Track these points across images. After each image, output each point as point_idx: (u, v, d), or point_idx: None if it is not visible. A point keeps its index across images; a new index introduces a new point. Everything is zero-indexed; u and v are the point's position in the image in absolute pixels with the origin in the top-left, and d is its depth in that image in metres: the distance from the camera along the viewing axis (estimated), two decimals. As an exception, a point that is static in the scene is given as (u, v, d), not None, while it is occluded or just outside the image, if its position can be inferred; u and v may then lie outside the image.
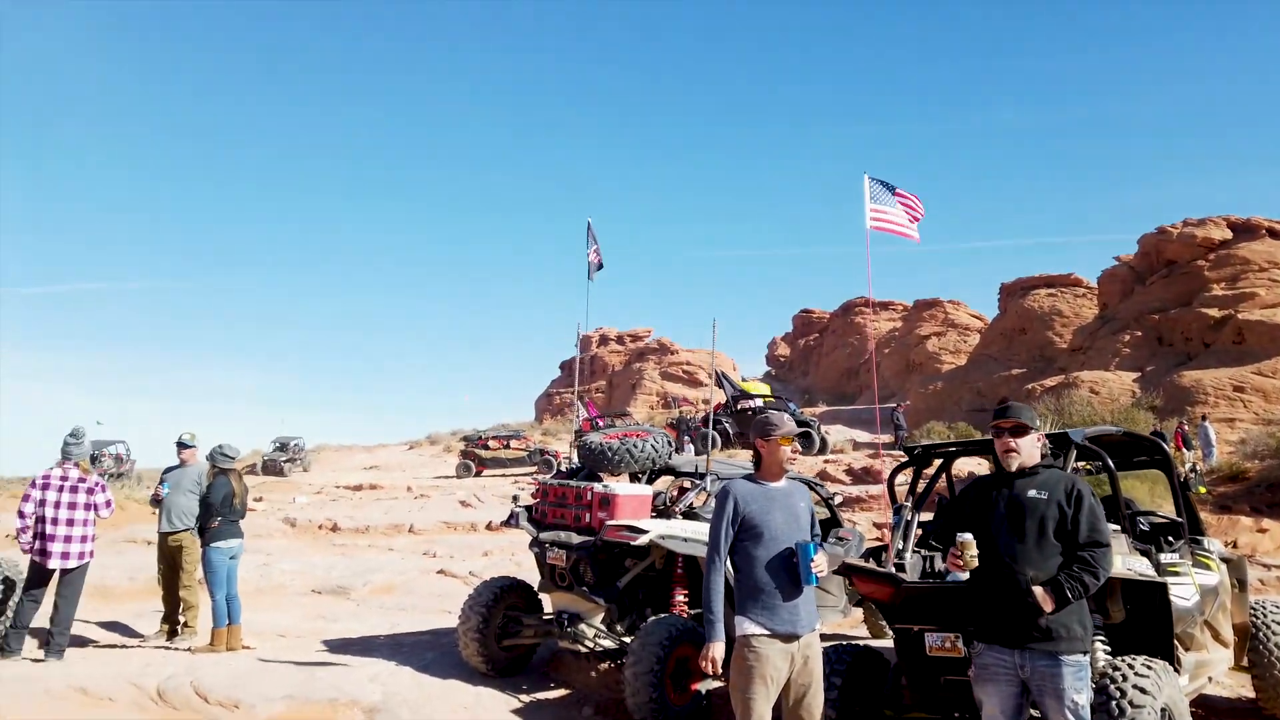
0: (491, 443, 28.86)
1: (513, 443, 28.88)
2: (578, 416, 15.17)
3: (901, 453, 7.15)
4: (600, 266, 10.50)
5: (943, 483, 5.96)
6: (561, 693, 6.34)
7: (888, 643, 6.60)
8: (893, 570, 4.78)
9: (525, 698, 6.09)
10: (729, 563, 3.77)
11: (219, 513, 7.61)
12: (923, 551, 5.35)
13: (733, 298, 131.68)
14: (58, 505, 6.97)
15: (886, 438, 23.38)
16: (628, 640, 6.14)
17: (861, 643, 5.18)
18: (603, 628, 6.38)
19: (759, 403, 23.90)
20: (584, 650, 6.43)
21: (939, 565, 5.19)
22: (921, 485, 5.66)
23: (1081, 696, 3.35)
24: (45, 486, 7.00)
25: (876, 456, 17.66)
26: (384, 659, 6.83)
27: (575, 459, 7.50)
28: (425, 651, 7.30)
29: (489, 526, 15.78)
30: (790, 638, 3.62)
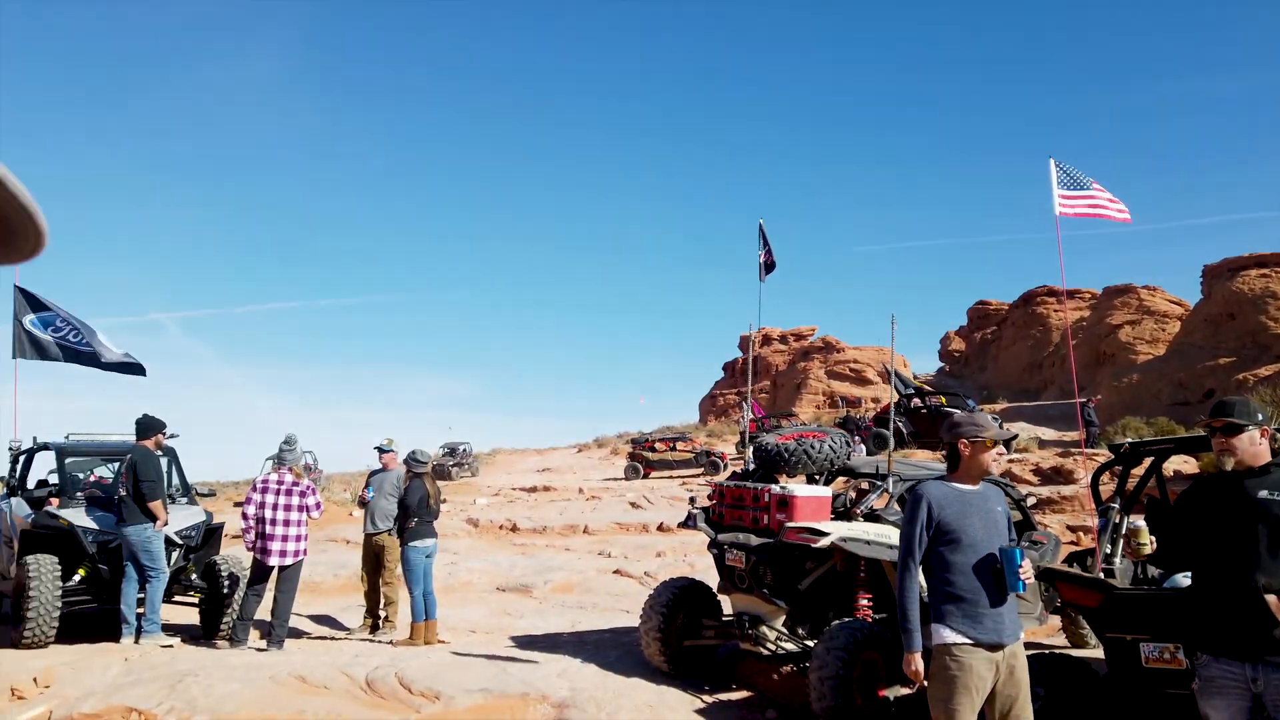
0: (658, 445, 29.15)
1: (679, 445, 29.06)
2: (744, 418, 15.07)
3: (1108, 451, 6.69)
4: (772, 267, 10.41)
5: (1152, 483, 5.54)
6: (744, 694, 6.33)
7: (1090, 652, 6.20)
8: (1101, 576, 4.49)
9: (708, 698, 6.11)
10: (922, 570, 3.65)
11: (415, 514, 8.08)
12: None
13: (901, 292, 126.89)
14: (275, 507, 7.60)
15: (1077, 434, 21.91)
16: (810, 644, 6.05)
17: (1063, 652, 4.89)
18: (784, 630, 6.32)
19: (935, 401, 23.02)
20: (766, 653, 6.39)
21: (1153, 572, 4.83)
22: (1129, 485, 5.28)
23: None
24: (265, 490, 7.65)
25: (1067, 455, 16.62)
26: (569, 656, 7.03)
27: (750, 460, 7.47)
28: (608, 649, 7.47)
29: (660, 527, 15.97)
30: (995, 647, 3.46)
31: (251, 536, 7.62)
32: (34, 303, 10.63)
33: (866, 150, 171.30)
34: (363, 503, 8.89)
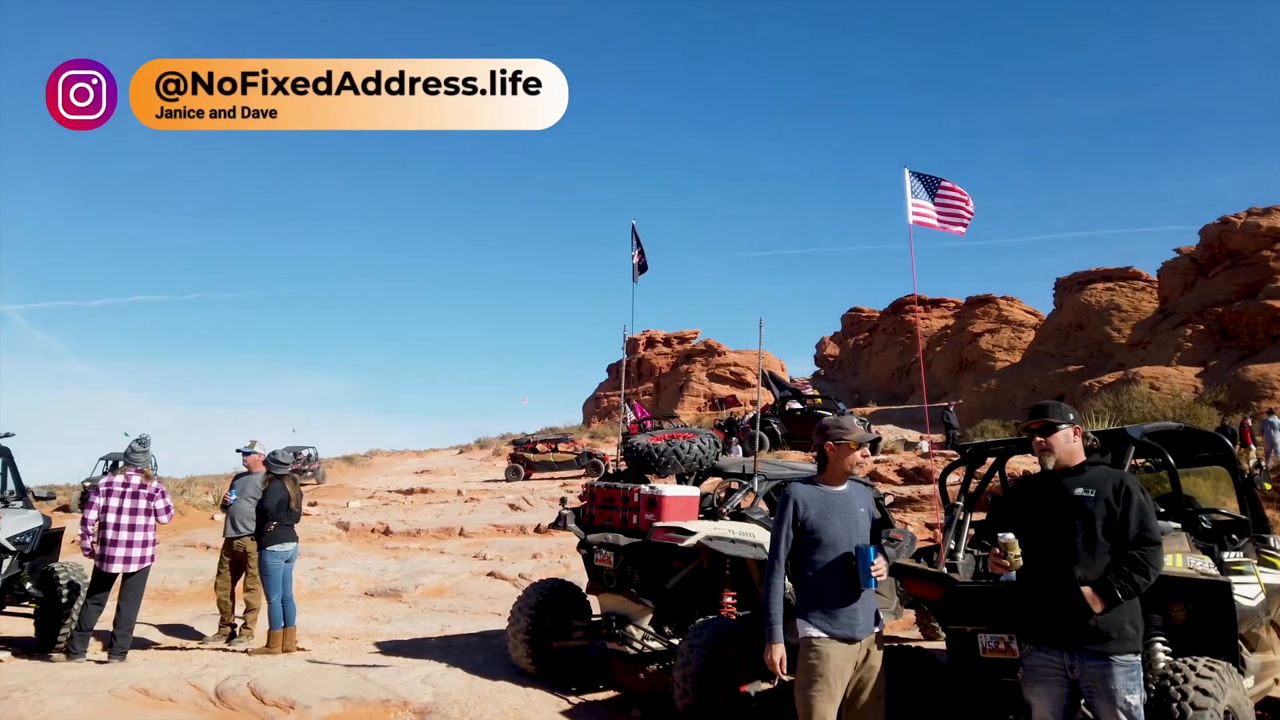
0: (540, 446, 29.02)
1: (560, 446, 29.01)
2: (625, 419, 15.17)
3: (953, 452, 7.03)
4: (644, 268, 10.50)
5: (996, 481, 5.84)
6: (610, 694, 6.34)
7: (940, 644, 6.49)
8: (944, 571, 4.70)
9: (574, 699, 6.10)
10: (789, 566, 3.79)
11: (274, 517, 7.76)
12: (975, 552, 5.26)
13: (781, 298, 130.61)
14: (120, 511, 7.16)
15: (937, 437, 23.04)
16: (676, 642, 6.12)
17: (913, 644, 5.10)
18: (650, 629, 6.38)
19: (809, 404, 23.70)
20: (632, 652, 6.43)
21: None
22: (974, 484, 5.56)
23: (1134, 697, 3.27)
24: (108, 493, 7.20)
25: (927, 456, 17.40)
26: (436, 660, 6.89)
27: (622, 461, 7.51)
28: (476, 653, 7.36)
29: (538, 529, 15.87)
30: (851, 641, 3.64)
31: (90, 542, 7.15)
32: None
33: (746, 158, 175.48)
34: (225, 505, 8.49)
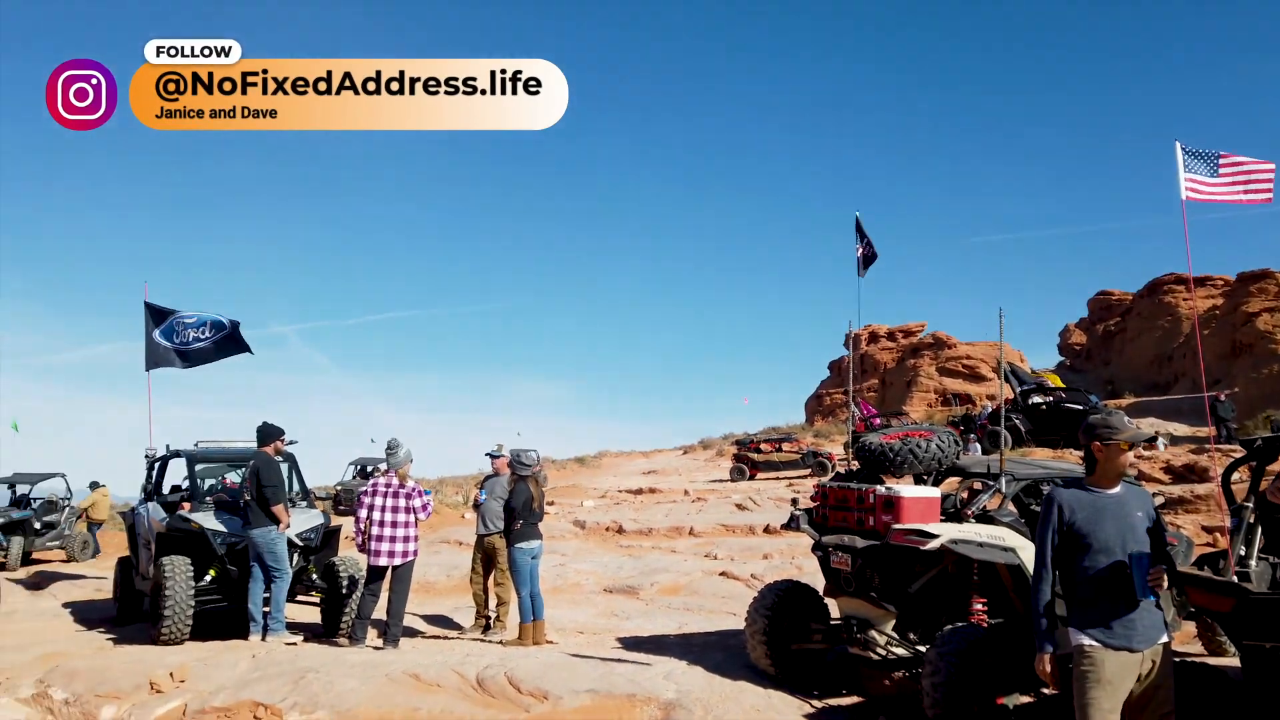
0: (763, 446, 28.88)
1: (784, 445, 28.72)
2: (852, 417, 14.81)
3: (1239, 447, 6.27)
4: (871, 261, 10.18)
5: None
6: (853, 700, 6.19)
7: (1229, 660, 5.81)
8: (1234, 580, 4.20)
9: (817, 703, 6.01)
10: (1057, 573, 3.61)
11: (520, 516, 8.22)
12: (1271, 558, 4.66)
13: (1015, 285, 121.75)
14: (383, 510, 7.84)
15: (1208, 431, 20.67)
16: (923, 649, 5.87)
17: (1198, 659, 4.59)
18: (894, 635, 6.16)
19: (1055, 398, 21.98)
20: (875, 657, 6.24)
21: None
22: (1265, 483, 4.92)
23: None
24: (373, 493, 7.91)
25: (1201, 452, 15.66)
26: (675, 658, 7.02)
27: (853, 461, 7.31)
28: (715, 652, 7.42)
29: (767, 529, 15.80)
30: (1129, 651, 3.40)
31: (362, 539, 7.88)
32: (160, 315, 11.32)
33: (973, 137, 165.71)
34: (476, 505, 9.11)
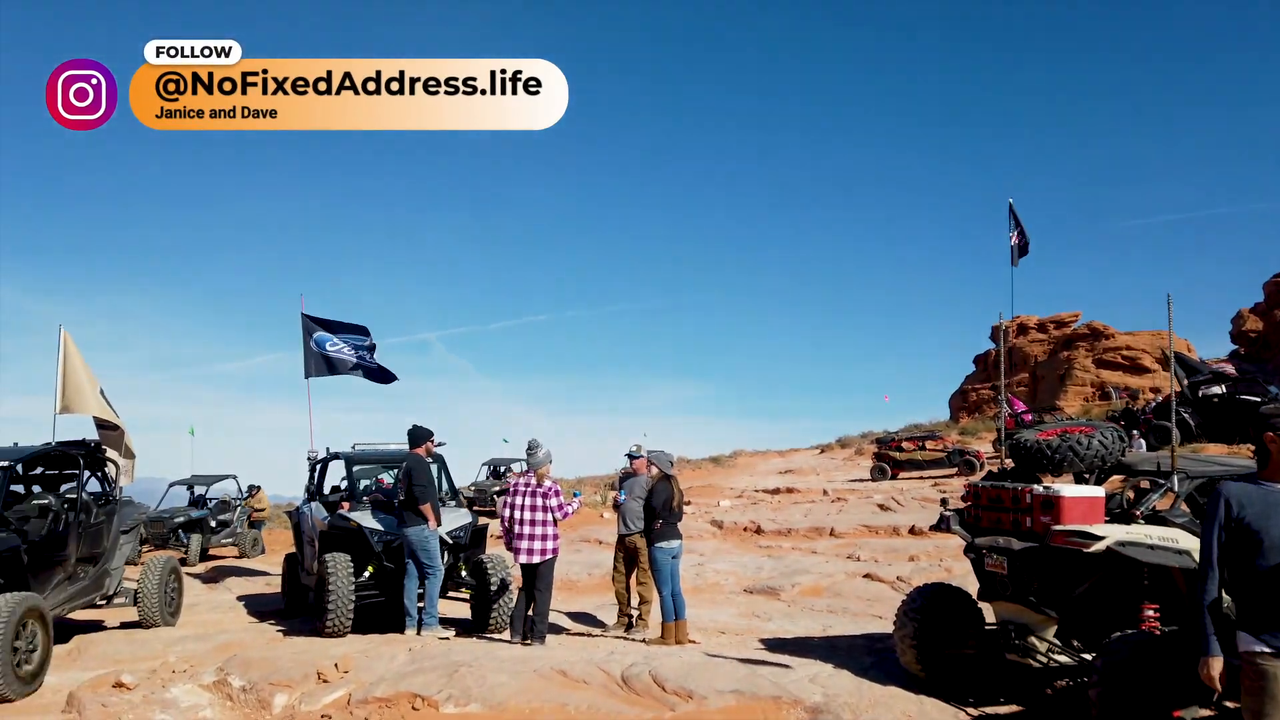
0: (905, 444, 28.04)
1: (928, 444, 27.78)
2: (1002, 413, 14.15)
3: None
4: (1025, 250, 9.69)
5: None
6: (1012, 709, 5.90)
7: None
8: None
9: (972, 711, 5.76)
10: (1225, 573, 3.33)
11: (660, 515, 8.25)
12: None
13: (1179, 269, 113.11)
14: (522, 508, 8.03)
15: None
16: (1088, 657, 5.54)
17: None
18: (1056, 642, 5.83)
19: (1230, 389, 20.33)
20: (1036, 665, 5.93)
21: None
22: None
23: None
24: (514, 493, 8.12)
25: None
26: (820, 660, 6.88)
27: (1006, 459, 6.97)
28: (862, 655, 7.24)
29: (912, 530, 15.33)
30: None
31: (508, 538, 8.09)
32: (317, 325, 12.01)
33: (1131, 114, 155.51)
34: (616, 505, 9.22)
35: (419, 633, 8.24)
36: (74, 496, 8.98)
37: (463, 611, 9.59)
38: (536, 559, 7.96)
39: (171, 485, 18.93)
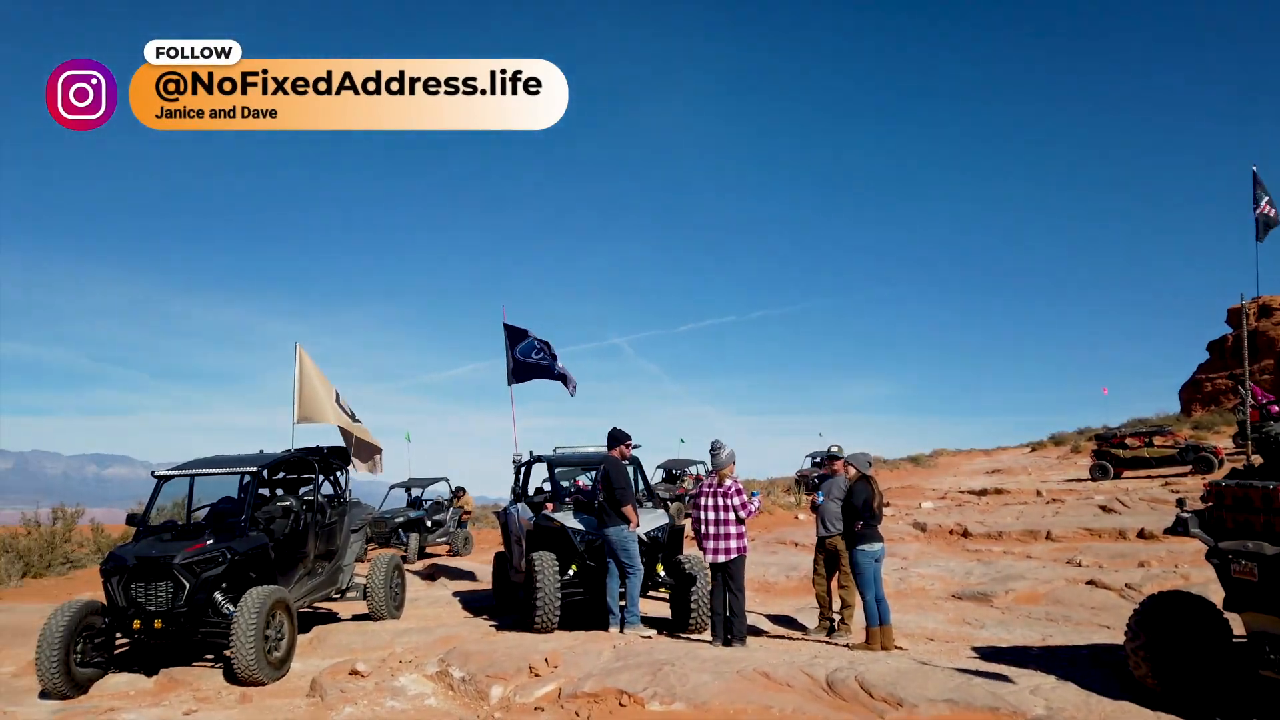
0: (1129, 440, 25.83)
1: (1155, 439, 25.47)
2: (1244, 405, 12.65)
3: None
4: (1274, 223, 8.64)
5: None
6: (1274, 733, 5.28)
7: None
8: None
9: (1226, 733, 5.21)
10: None
11: (861, 516, 8.02)
12: None
13: None
14: (708, 508, 8.03)
15: None
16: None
17: None
18: (1323, 659, 5.17)
19: None
20: (1301, 685, 5.28)
21: None
22: None
23: None
24: (699, 493, 8.14)
25: None
26: (1041, 671, 6.45)
27: (1254, 454, 6.26)
28: (1087, 667, 6.72)
29: (1142, 534, 14.10)
30: None
31: (698, 538, 8.12)
32: (516, 334, 12.57)
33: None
34: (814, 506, 9.05)
35: (622, 630, 8.42)
36: (311, 498, 9.87)
37: (662, 611, 9.73)
38: (722, 558, 7.94)
39: (391, 488, 20.40)
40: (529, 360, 12.47)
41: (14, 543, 14.67)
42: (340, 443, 11.05)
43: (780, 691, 6.00)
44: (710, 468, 8.29)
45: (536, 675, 6.61)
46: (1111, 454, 25.61)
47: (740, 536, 8.02)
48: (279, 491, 10.37)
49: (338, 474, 10.68)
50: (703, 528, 8.01)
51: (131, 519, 8.90)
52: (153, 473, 9.11)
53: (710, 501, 8.02)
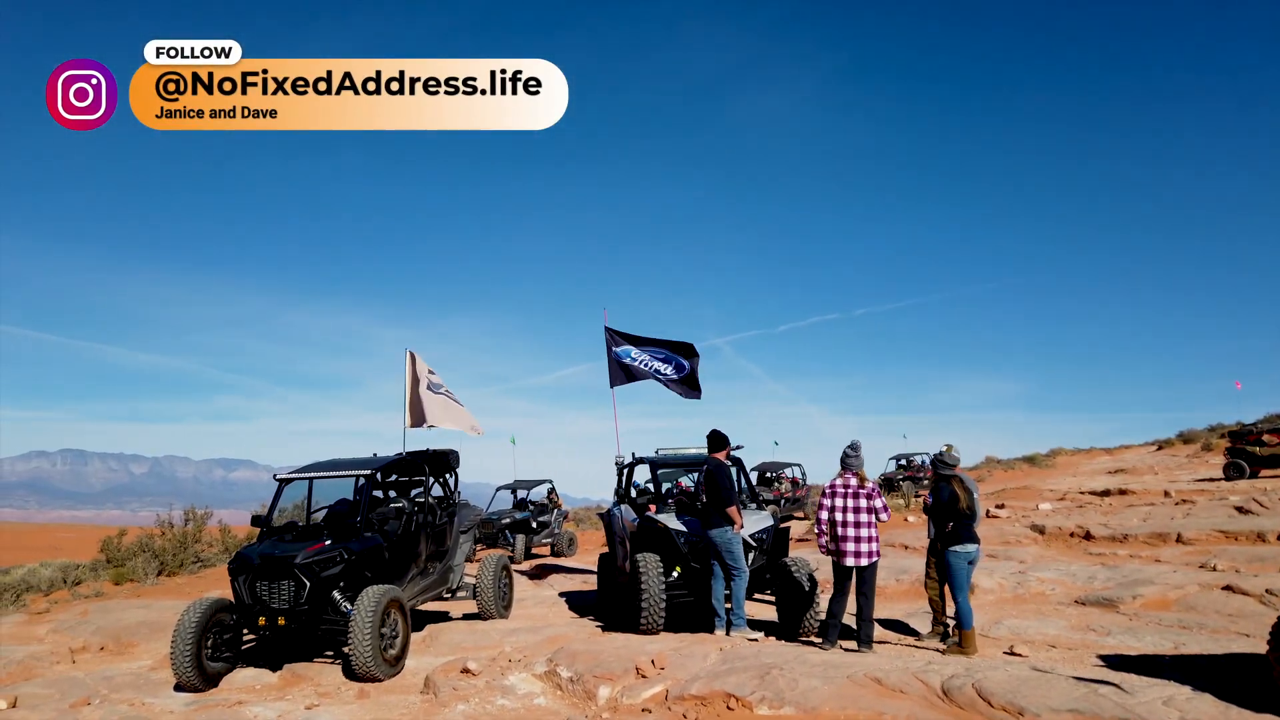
0: (1267, 437, 24.21)
1: (1296, 436, 23.83)
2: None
3: None
4: None
5: None
6: None
7: None
8: None
9: (1383, 752, 4.80)
10: None
11: (953, 516, 7.77)
12: None
13: None
14: (845, 510, 7.85)
15: None
16: None
17: None
18: None
19: None
20: None
21: None
22: None
23: None
24: (833, 494, 7.95)
25: None
26: (1174, 682, 6.08)
27: None
28: (1225, 678, 6.31)
29: (1283, 536, 13.19)
30: None
31: (824, 540, 7.95)
32: (619, 338, 12.64)
33: None
34: (926, 508, 8.79)
35: (728, 633, 8.35)
36: (423, 500, 10.15)
37: (768, 613, 9.60)
38: (865, 561, 7.78)
39: (498, 490, 20.82)
40: (630, 363, 12.53)
41: (150, 543, 15.65)
42: (449, 446, 11.33)
43: (892, 698, 5.83)
44: (843, 468, 8.04)
45: (643, 676, 6.62)
46: (1247, 451, 24.07)
47: (878, 540, 7.87)
48: (392, 493, 10.70)
49: (447, 476, 10.95)
50: (840, 530, 7.84)
51: (256, 520, 9.33)
52: (274, 476, 9.54)
53: (851, 504, 7.84)
